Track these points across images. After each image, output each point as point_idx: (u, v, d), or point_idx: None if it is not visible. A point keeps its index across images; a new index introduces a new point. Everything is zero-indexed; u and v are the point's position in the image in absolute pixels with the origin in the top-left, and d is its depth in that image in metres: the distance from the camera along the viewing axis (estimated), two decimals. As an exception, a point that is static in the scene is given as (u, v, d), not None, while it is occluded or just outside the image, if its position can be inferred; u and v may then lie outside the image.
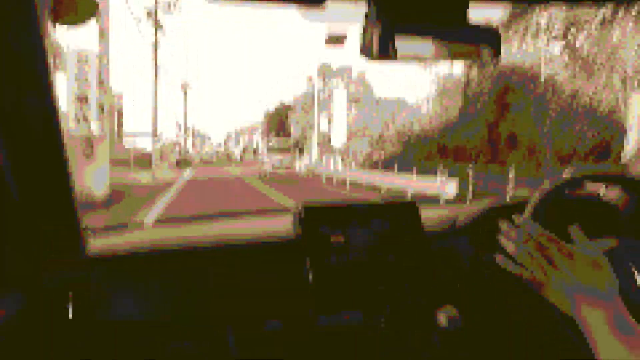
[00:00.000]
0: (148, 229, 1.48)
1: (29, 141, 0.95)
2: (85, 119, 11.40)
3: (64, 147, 1.02)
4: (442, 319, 1.19)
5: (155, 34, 24.12)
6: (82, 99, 11.41)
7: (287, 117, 48.47)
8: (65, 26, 0.90)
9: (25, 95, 0.90)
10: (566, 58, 18.84)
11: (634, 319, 0.73)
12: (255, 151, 65.87)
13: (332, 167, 23.98)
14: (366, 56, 0.81)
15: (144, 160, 23.99)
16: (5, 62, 0.85)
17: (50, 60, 0.93)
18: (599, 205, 1.41)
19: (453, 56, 0.82)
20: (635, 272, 0.88)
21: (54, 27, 0.91)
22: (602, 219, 1.36)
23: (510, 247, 0.85)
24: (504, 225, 0.87)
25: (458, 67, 25.45)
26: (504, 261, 0.85)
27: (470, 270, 1.28)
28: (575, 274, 0.77)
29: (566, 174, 1.02)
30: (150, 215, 9.46)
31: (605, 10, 16.44)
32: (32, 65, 0.88)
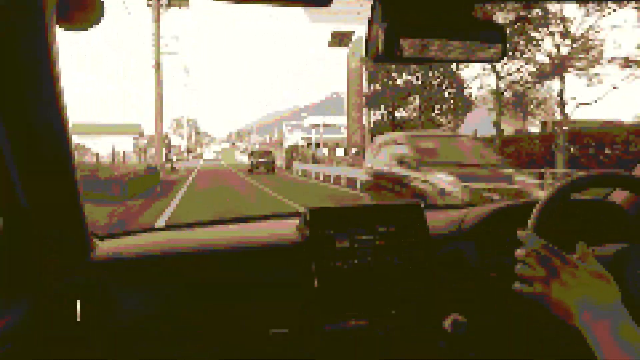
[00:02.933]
0: (155, 232, 1.49)
1: (37, 146, 0.96)
2: None
3: (71, 153, 1.02)
4: (448, 324, 1.18)
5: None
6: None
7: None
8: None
9: (33, 101, 0.91)
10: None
11: None
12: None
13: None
14: (371, 57, 0.81)
15: None
16: (12, 67, 0.86)
17: (59, 65, 0.93)
18: (606, 208, 1.40)
19: (459, 57, 0.82)
20: None
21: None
22: (609, 223, 1.34)
23: (517, 267, 0.86)
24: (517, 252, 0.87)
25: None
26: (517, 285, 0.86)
27: (476, 274, 1.27)
28: (578, 285, 0.78)
29: (573, 177, 1.01)
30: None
31: None
32: (40, 70, 0.89)
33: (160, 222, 9.31)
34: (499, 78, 18.79)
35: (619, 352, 0.70)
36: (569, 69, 16.79)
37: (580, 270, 0.79)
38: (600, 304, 0.75)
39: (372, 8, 0.79)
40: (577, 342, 0.85)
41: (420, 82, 23.94)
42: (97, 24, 0.87)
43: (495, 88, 18.97)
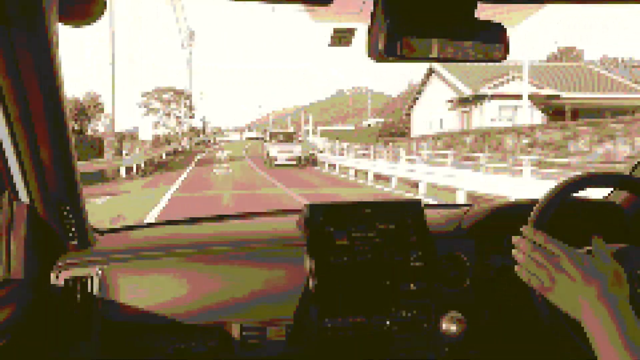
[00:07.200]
0: (156, 227, 1.49)
1: (37, 140, 0.96)
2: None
3: (72, 146, 1.03)
4: (447, 322, 1.18)
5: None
6: None
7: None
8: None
9: (33, 95, 0.91)
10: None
11: None
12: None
13: None
14: (372, 56, 0.81)
15: None
16: (13, 61, 0.86)
17: (59, 60, 0.93)
18: (605, 208, 1.40)
19: (461, 56, 0.81)
20: None
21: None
22: (608, 222, 1.35)
23: (519, 257, 0.85)
24: (514, 238, 0.87)
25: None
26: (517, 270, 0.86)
27: (475, 273, 1.27)
28: (586, 279, 0.77)
29: (573, 176, 1.01)
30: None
31: None
32: (40, 65, 0.89)
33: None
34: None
35: (623, 344, 0.69)
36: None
37: (594, 263, 0.78)
38: (607, 298, 0.74)
39: (375, 6, 0.79)
40: (573, 340, 0.85)
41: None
42: (99, 19, 0.87)
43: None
